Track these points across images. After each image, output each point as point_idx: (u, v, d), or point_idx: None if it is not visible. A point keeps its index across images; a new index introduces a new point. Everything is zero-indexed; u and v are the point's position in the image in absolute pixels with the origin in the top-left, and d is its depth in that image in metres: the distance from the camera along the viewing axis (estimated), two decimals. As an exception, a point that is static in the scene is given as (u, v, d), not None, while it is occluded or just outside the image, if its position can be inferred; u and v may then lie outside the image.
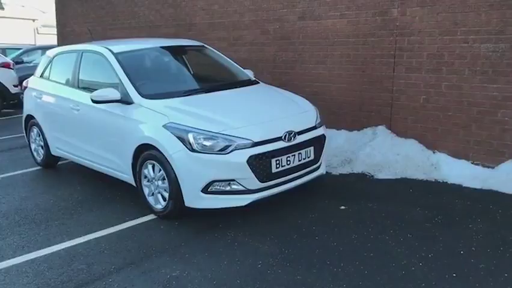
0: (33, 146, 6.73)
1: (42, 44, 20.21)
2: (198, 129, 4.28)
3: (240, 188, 4.28)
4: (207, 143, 4.22)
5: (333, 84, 6.72)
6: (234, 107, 4.82)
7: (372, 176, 5.66)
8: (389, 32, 6.04)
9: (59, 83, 6.01)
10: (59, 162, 6.64)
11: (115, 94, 4.84)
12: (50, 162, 6.53)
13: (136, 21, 9.81)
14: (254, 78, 5.78)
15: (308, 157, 4.68)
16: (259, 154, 4.26)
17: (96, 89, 5.21)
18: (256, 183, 4.29)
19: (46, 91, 6.18)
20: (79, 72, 5.67)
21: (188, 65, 5.83)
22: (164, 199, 4.56)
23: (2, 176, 6.37)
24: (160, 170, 4.51)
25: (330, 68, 6.73)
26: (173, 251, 3.93)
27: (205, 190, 4.26)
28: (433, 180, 5.40)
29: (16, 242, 4.26)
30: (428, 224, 4.27)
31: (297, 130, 4.58)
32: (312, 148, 4.71)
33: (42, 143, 6.44)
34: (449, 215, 4.43)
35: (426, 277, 3.36)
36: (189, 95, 4.96)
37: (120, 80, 4.98)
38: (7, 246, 4.19)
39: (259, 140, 4.30)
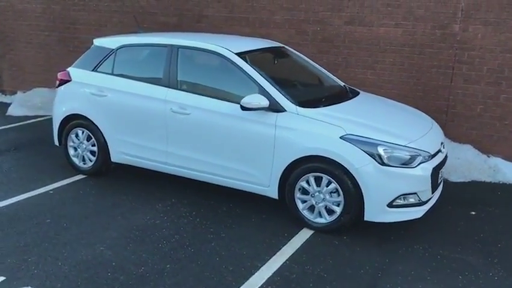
0: (72, 151, 5.73)
1: None
2: (386, 142, 4.23)
3: (416, 200, 4.35)
4: (397, 156, 4.20)
5: (382, 89, 6.98)
6: (386, 118, 4.82)
7: (447, 179, 6.12)
8: (449, 45, 6.52)
9: (139, 80, 5.22)
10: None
11: (265, 101, 4.47)
12: (103, 170, 5.65)
13: (119, 4, 8.74)
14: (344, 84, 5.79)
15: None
16: (436, 166, 4.38)
17: (211, 93, 4.91)
18: (428, 195, 4.41)
19: (113, 88, 5.31)
20: (176, 71, 5.01)
21: (294, 69, 5.58)
22: (329, 212, 4.41)
23: (48, 188, 5.36)
24: (329, 183, 4.33)
25: (380, 73, 6.99)
26: (390, 270, 3.87)
27: (390, 204, 4.25)
28: (500, 183, 6.07)
29: (215, 271, 3.73)
30: (562, 224, 4.87)
31: (443, 141, 4.82)
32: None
33: (94, 148, 5.54)
34: None
35: None
36: (330, 104, 4.79)
37: (260, 85, 4.60)
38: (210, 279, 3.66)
39: (433, 153, 4.42)
